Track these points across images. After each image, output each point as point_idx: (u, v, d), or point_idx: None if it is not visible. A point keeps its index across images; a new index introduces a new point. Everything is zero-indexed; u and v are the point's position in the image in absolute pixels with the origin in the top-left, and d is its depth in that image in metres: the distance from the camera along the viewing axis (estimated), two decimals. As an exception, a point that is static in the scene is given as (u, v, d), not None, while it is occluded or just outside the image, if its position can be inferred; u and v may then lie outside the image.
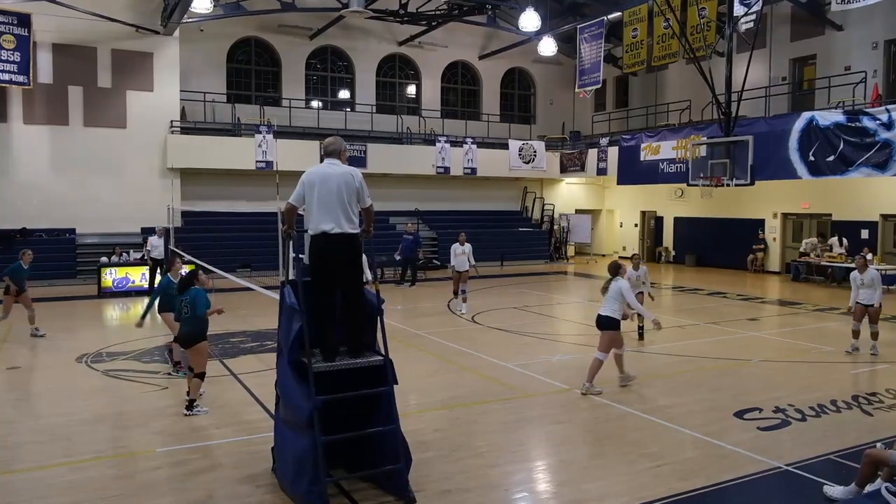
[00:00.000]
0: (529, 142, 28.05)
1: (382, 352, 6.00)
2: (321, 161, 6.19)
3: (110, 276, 18.43)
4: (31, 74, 19.85)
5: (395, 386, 5.90)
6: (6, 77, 19.58)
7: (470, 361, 10.79)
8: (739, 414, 8.03)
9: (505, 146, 27.47)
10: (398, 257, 20.13)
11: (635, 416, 7.96)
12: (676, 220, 27.35)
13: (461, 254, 15.36)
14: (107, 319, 15.41)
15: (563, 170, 28.55)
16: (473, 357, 11.05)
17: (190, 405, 7.94)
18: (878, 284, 11.07)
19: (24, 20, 19.64)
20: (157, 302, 9.85)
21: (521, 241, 27.41)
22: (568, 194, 30.49)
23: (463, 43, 29.12)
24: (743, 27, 19.04)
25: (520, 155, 27.42)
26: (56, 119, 21.06)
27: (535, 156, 27.66)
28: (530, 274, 23.56)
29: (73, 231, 21.15)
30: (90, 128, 21.43)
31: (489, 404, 8.51)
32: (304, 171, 6.01)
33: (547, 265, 26.81)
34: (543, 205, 29.96)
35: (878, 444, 6.21)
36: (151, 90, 22.18)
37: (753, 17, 18.62)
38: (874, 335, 11.20)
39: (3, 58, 19.42)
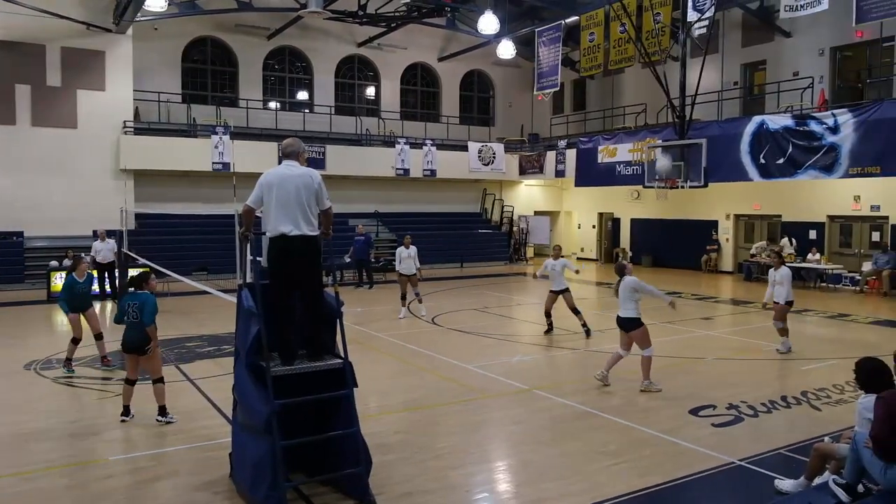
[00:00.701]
0: (489, 144, 28.22)
1: (342, 355, 5.96)
2: (279, 163, 6.12)
3: (60, 280, 17.89)
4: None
5: (355, 389, 5.87)
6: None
7: (430, 363, 10.79)
8: (694, 411, 8.21)
9: (464, 148, 27.59)
10: (348, 259, 20.03)
11: (594, 415, 8.07)
12: (633, 221, 27.81)
13: (407, 257, 15.12)
14: (56, 325, 14.97)
15: (522, 172, 28.79)
16: (433, 359, 11.06)
17: (162, 411, 7.75)
18: (788, 282, 11.26)
19: (-33, 16, 19.03)
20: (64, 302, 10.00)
21: (481, 242, 27.57)
22: (527, 196, 30.75)
23: (422, 45, 29.16)
24: (696, 33, 19.49)
25: (479, 157, 27.56)
26: (2, 118, 20.41)
27: (494, 158, 27.85)
28: (490, 275, 23.69)
29: (20, 234, 20.51)
30: (39, 127, 20.83)
31: (450, 406, 8.53)
32: (261, 173, 5.94)
33: (506, 266, 26.99)
34: (503, 206, 30.17)
35: (826, 439, 6.42)
36: (103, 89, 21.67)
37: (706, 22, 19.07)
38: (781, 332, 11.40)
39: (-55, 55, 18.79)
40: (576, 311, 12.73)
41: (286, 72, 27.41)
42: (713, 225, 24.70)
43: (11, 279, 19.31)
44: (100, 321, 11.04)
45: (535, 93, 25.66)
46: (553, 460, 6.73)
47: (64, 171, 21.05)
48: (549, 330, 13.03)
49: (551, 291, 12.92)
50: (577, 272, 13.64)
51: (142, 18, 21.61)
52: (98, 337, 10.38)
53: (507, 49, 26.14)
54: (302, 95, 27.85)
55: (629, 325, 9.21)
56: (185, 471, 6.37)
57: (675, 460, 6.66)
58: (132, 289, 8.02)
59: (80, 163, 21.29)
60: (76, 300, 10.14)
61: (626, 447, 7.04)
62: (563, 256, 13.45)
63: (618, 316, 9.32)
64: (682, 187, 19.07)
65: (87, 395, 8.96)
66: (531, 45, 25.50)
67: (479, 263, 26.40)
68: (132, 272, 12.50)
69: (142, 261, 16.04)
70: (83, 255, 14.42)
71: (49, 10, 19.87)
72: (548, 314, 13.03)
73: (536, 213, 30.17)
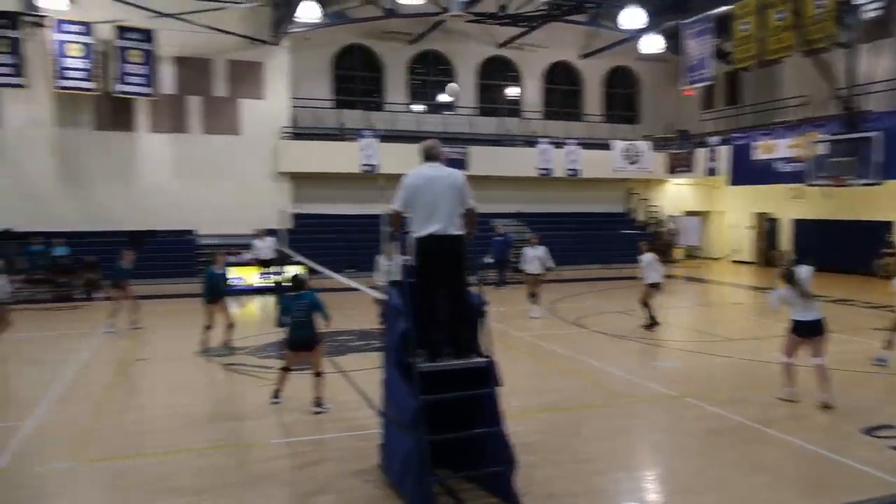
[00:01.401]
0: (634, 142, 27.36)
1: (486, 353, 6.01)
2: (422, 164, 6.20)
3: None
4: (155, 86, 21.27)
5: (499, 388, 5.89)
6: (133, 89, 21.06)
7: (572, 365, 10.64)
8: (868, 430, 7.49)
9: (608, 147, 26.92)
10: (490, 259, 20.14)
11: (750, 427, 7.59)
12: (794, 222, 25.87)
13: (533, 257, 15.13)
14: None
15: (671, 170, 27.64)
16: (576, 360, 10.89)
17: (318, 402, 8.22)
18: None
19: (149, 36, 21.06)
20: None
21: (626, 243, 26.71)
22: (675, 195, 29.49)
23: (564, 43, 28.74)
24: (867, 15, 17.81)
25: (624, 155, 26.79)
26: (177, 127, 22.46)
27: (639, 156, 26.96)
28: (635, 277, 22.93)
29: (191, 232, 22.46)
30: (208, 135, 22.73)
31: (593, 409, 8.36)
32: (406, 174, 6.06)
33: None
34: (648, 206, 29.12)
35: None
36: (263, 98, 23.27)
37: (881, 4, 17.38)
38: None
39: (131, 71, 20.91)
40: (646, 305, 13.35)
41: (429, 75, 28.05)
42: (887, 226, 22.46)
43: (183, 273, 21.08)
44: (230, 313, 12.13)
45: (682, 87, 24.55)
46: (704, 472, 6.41)
47: (229, 175, 22.82)
48: (653, 325, 13.36)
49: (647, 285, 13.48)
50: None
51: (296, 30, 22.95)
52: (230, 326, 11.67)
53: (653, 43, 25.18)
54: (445, 98, 28.38)
55: (821, 328, 8.29)
56: (338, 458, 6.68)
57: (845, 482, 6.12)
58: (294, 291, 8.49)
59: (242, 167, 22.99)
60: (213, 288, 11.69)
61: (786, 464, 6.57)
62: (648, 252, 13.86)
63: (804, 320, 8.28)
64: (852, 185, 17.49)
65: (251, 382, 9.63)
66: (678, 38, 24.42)
67: (624, 265, 25.59)
68: (290, 270, 13.48)
69: (298, 258, 17.03)
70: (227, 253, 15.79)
71: (217, 27, 21.62)
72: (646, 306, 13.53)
73: (686, 213, 28.86)
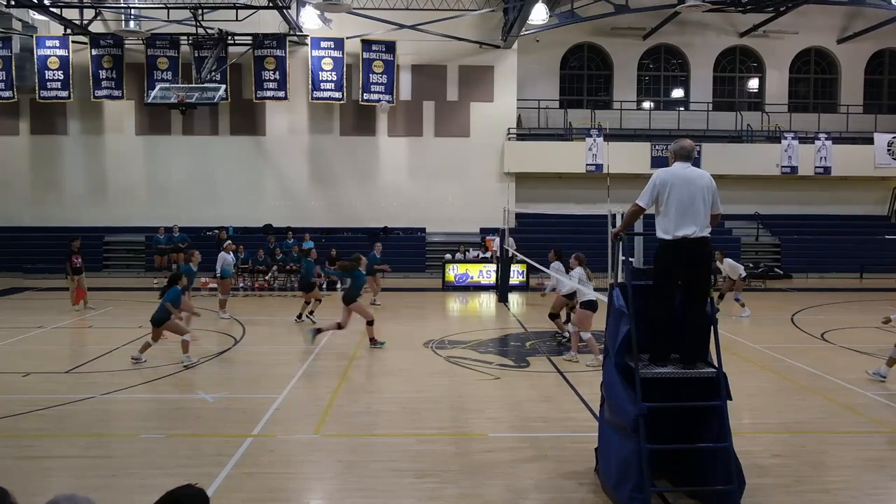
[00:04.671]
0: (901, 134, 23.93)
1: (715, 363, 5.63)
2: (661, 163, 5.98)
3: (453, 272, 20.33)
4: (394, 93, 22.88)
5: (728, 402, 5.50)
6: (376, 97, 22.85)
7: (816, 383, 9.58)
8: None
9: (869, 140, 23.84)
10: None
11: None
12: None
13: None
14: (449, 310, 17.02)
15: (948, 166, 23.80)
16: (820, 378, 9.80)
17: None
18: None
19: (390, 47, 22.71)
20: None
21: (888, 249, 23.48)
22: (951, 196, 25.33)
23: (817, 26, 25.92)
24: None
25: (889, 150, 23.55)
26: (412, 131, 23.97)
27: (908, 150, 23.54)
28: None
29: (423, 230, 23.84)
30: (439, 138, 23.94)
31: (841, 435, 7.46)
32: (635, 174, 5.91)
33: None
34: (918, 208, 25.34)
35: None
36: (491, 100, 23.97)
37: None
38: None
39: (374, 80, 22.71)
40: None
41: (661, 70, 26.91)
42: None
43: (415, 268, 22.49)
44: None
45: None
46: (985, 522, 5.43)
47: (457, 176, 23.86)
48: None
49: None
50: None
51: (526, 32, 23.28)
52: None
53: (931, 20, 21.82)
54: (677, 93, 27.07)
55: None
56: (553, 457, 6.68)
57: None
58: None
59: (470, 168, 23.93)
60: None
61: None
62: None
63: None
64: None
65: (471, 375, 9.98)
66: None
67: (887, 274, 22.54)
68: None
69: (519, 257, 17.33)
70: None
71: (450, 34, 22.67)
72: None
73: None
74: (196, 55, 22.03)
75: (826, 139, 23.63)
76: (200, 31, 21.02)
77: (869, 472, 6.45)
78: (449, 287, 20.10)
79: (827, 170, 23.60)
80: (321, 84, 22.58)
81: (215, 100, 19.97)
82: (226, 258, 14.99)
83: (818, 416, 8.15)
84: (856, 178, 24.46)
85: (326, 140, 23.88)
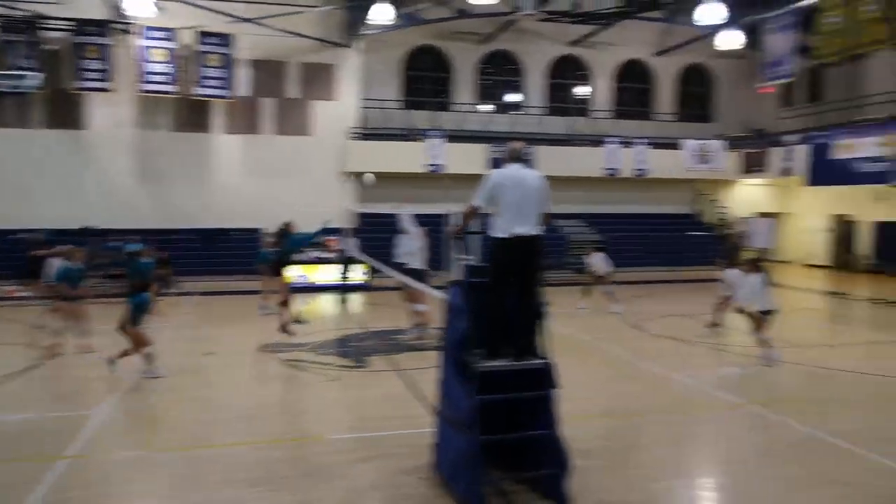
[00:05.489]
0: (707, 141, 26.58)
1: (545, 355, 5.96)
2: (496, 164, 6.22)
3: (293, 273, 19.83)
4: (231, 88, 22.00)
5: (556, 390, 5.83)
6: (211, 92, 21.85)
7: (633, 370, 10.43)
8: (950, 445, 7.07)
9: (678, 146, 26.25)
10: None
11: (819, 439, 7.26)
12: (877, 224, 24.59)
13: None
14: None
15: (745, 170, 26.74)
16: (638, 366, 10.67)
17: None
18: None
19: (228, 40, 21.81)
20: None
21: (693, 245, 25.99)
22: (746, 196, 28.49)
23: (637, 40, 28.13)
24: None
25: (696, 155, 26.06)
26: (251, 128, 23.17)
27: (712, 156, 26.18)
28: (701, 280, 22.27)
29: (259, 230, 23.07)
30: (280, 136, 23.34)
31: (654, 416, 8.18)
32: (472, 174, 6.11)
33: (719, 272, 25.20)
34: (717, 208, 28.25)
35: None
36: (334, 99, 23.73)
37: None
38: None
39: (209, 74, 21.70)
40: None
41: (498, 75, 27.98)
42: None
43: (252, 271, 21.63)
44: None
45: (760, 85, 23.68)
46: (767, 484, 6.17)
47: (298, 175, 23.34)
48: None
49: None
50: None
51: (369, 32, 23.30)
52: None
53: (732, 39, 24.28)
54: (513, 97, 28.28)
55: None
56: (392, 455, 6.75)
57: (921, 500, 5.80)
58: None
59: (312, 167, 23.49)
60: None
61: (857, 477, 6.25)
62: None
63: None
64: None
65: (309, 377, 9.84)
66: (756, 34, 23.55)
67: (691, 267, 24.91)
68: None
69: (361, 257, 17.29)
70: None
71: (291, 31, 22.16)
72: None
73: (759, 214, 27.85)
74: (6, 39, 19.89)
75: (644, 144, 25.70)
76: (12, 12, 19.00)
77: (679, 448, 7.13)
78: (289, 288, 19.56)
79: (643, 172, 25.66)
80: (151, 76, 21.22)
81: (26, 88, 18.16)
82: (56, 264, 13.55)
83: (634, 399, 8.86)
84: (668, 179, 26.77)
85: (157, 136, 22.46)
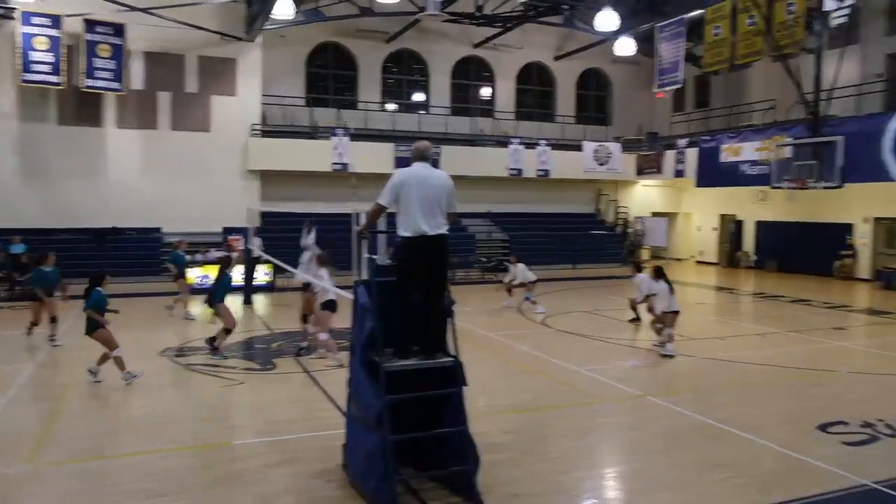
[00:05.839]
0: (605, 143, 27.61)
1: (453, 353, 6.02)
2: (400, 163, 6.23)
3: (193, 274, 19.11)
4: (123, 81, 20.94)
5: (464, 387, 5.91)
6: (102, 84, 20.73)
7: (540, 365, 10.71)
8: (823, 427, 7.67)
9: (579, 148, 27.12)
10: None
11: (711, 426, 7.71)
12: (758, 224, 26.35)
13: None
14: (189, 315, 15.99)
15: (640, 172, 27.98)
16: (544, 361, 10.96)
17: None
18: None
19: (119, 30, 20.75)
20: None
21: (595, 244, 26.99)
22: (643, 197, 29.85)
23: (538, 44, 28.90)
24: (834, 22, 18.21)
25: (594, 157, 27.01)
26: (146, 123, 22.12)
27: (610, 157, 27.22)
28: (603, 277, 23.17)
29: (158, 230, 22.13)
30: (177, 131, 22.41)
31: (560, 409, 8.43)
32: (379, 173, 6.09)
33: (621, 269, 26.28)
34: (617, 207, 29.43)
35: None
36: (234, 95, 23.01)
37: (846, 11, 17.77)
38: None
39: (99, 66, 20.59)
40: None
41: (404, 74, 28.00)
42: (847, 228, 22.97)
43: (150, 272, 20.77)
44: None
45: (654, 90, 24.85)
46: (666, 470, 6.50)
47: (198, 172, 22.49)
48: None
49: None
50: None
51: (270, 27, 22.74)
52: (53, 321, 11.89)
53: (626, 46, 25.39)
54: (419, 97, 28.36)
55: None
56: (301, 458, 6.65)
57: (800, 478, 6.26)
58: None
59: (212, 164, 22.68)
60: (47, 286, 11.99)
61: (745, 461, 6.69)
62: None
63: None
64: (815, 188, 17.89)
65: (214, 382, 9.51)
66: (651, 42, 24.71)
67: (593, 265, 25.86)
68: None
69: (265, 257, 16.89)
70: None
71: (188, 22, 21.32)
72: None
73: (654, 214, 29.22)
74: None
75: (546, 145, 26.40)
76: None
77: (584, 439, 7.38)
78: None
79: (546, 172, 26.36)
80: (34, 65, 19.91)
81: None
82: None
83: (541, 394, 9.11)
84: (569, 180, 27.62)
85: (41, 129, 21.06)
